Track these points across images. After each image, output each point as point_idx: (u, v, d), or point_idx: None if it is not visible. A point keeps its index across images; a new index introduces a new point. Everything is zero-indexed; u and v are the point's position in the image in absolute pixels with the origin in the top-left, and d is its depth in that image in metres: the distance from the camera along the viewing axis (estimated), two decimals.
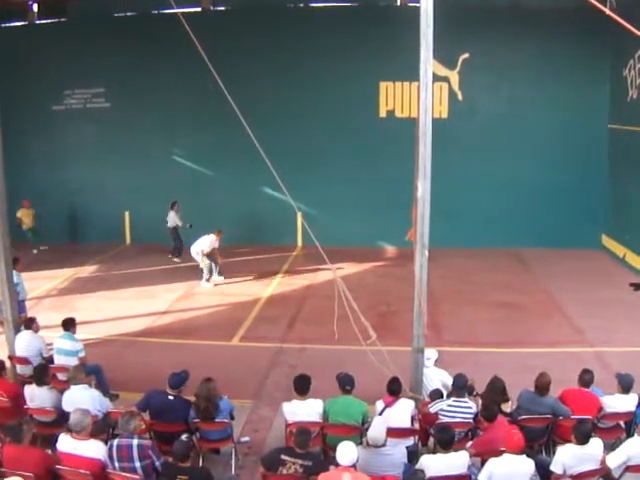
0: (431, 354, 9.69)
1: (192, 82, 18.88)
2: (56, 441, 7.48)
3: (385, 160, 20.15)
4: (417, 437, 8.45)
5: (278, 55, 20.51)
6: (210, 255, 17.46)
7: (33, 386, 8.86)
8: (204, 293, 16.89)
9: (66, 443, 7.32)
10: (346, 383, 8.47)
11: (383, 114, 21.09)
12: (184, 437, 7.49)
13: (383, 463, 7.22)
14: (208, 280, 17.54)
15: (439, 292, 15.56)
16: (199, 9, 21.16)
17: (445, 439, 7.17)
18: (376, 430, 7.22)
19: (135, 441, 7.30)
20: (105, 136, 21.94)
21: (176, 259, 19.92)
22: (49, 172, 22.17)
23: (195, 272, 17.96)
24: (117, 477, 7.11)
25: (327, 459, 7.86)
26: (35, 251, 20.47)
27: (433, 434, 7.97)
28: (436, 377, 9.47)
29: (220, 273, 17.89)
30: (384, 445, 7.23)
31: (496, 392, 8.61)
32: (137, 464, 7.24)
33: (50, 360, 10.42)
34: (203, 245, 17.40)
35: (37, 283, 16.90)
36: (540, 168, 20.33)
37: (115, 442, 7.35)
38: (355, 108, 20.74)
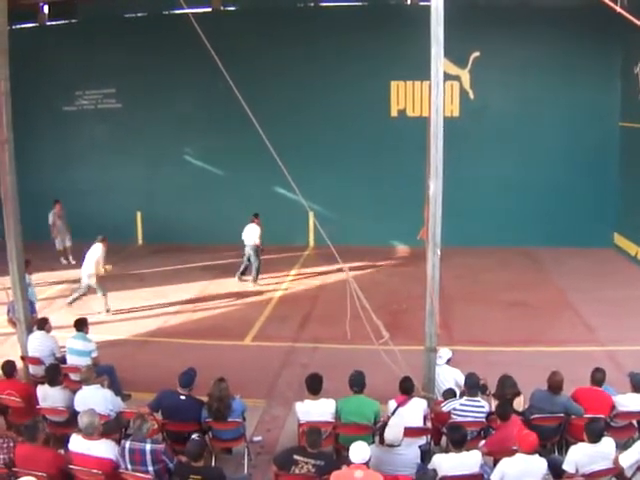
0: (444, 353, 9.70)
1: (203, 82, 18.94)
2: (68, 441, 7.50)
3: (396, 159, 20.09)
4: (429, 436, 8.43)
5: (289, 55, 20.50)
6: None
7: (46, 386, 8.90)
8: (216, 293, 16.81)
9: (78, 443, 7.34)
10: (355, 385, 8.48)
11: (394, 113, 20.99)
12: (195, 436, 7.50)
13: (396, 462, 7.24)
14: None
15: (451, 291, 15.57)
16: (209, 9, 21.20)
17: (457, 438, 7.17)
18: (394, 430, 7.23)
19: (148, 446, 7.24)
20: (116, 136, 21.98)
21: (247, 278, 17.58)
22: (60, 172, 22.26)
23: (208, 272, 18.00)
24: (129, 477, 7.14)
25: (339, 459, 7.86)
26: None
27: (445, 433, 7.94)
28: (450, 376, 9.46)
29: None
30: (399, 445, 7.25)
31: (506, 388, 8.60)
32: (150, 468, 7.22)
33: (63, 360, 10.46)
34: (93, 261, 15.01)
35: (50, 283, 16.95)
36: (551, 166, 20.23)
37: (128, 445, 7.28)
38: (366, 107, 20.68)
